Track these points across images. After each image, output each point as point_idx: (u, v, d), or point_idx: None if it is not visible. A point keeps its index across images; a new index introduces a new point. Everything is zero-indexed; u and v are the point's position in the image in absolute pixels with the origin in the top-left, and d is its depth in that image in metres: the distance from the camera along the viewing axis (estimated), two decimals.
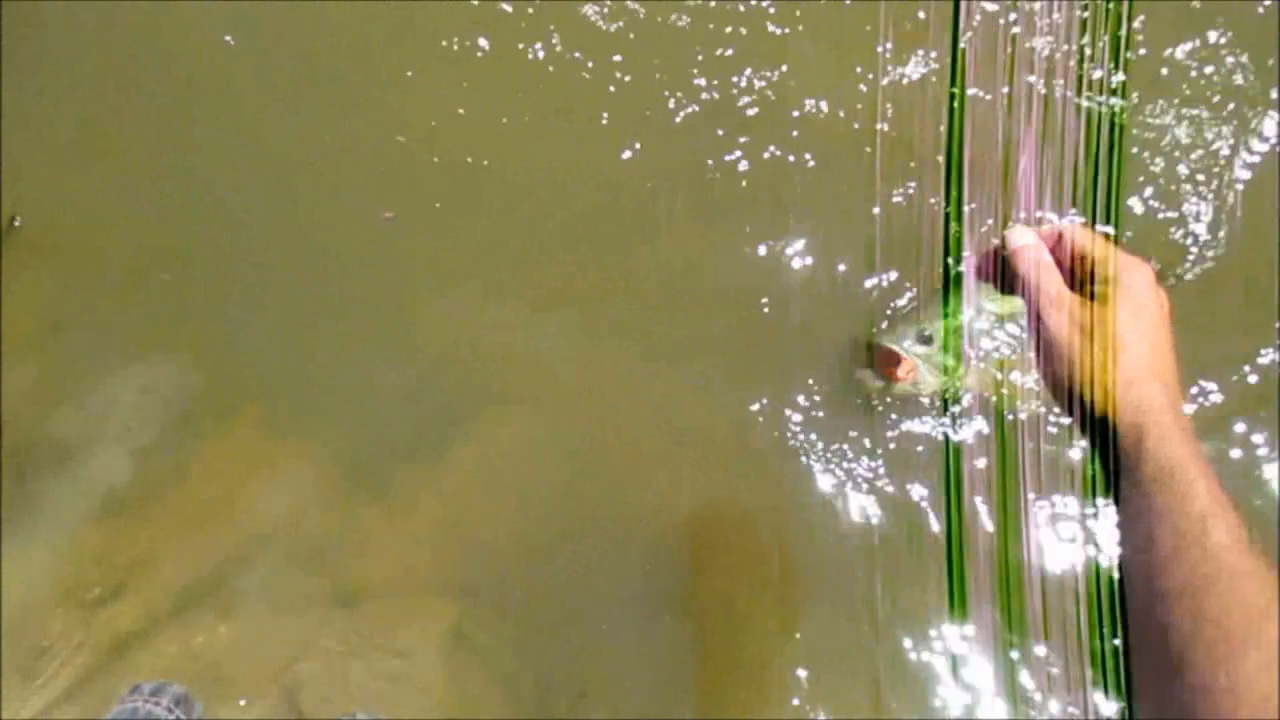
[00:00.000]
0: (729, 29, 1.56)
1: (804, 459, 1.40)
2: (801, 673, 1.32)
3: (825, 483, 1.38)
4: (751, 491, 1.43)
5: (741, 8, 1.57)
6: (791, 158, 1.51)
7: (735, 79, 1.54)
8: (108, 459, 1.49)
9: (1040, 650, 1.27)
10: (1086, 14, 1.29)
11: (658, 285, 1.51)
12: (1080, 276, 0.81)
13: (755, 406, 1.43)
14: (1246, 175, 1.46)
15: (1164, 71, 1.50)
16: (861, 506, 1.37)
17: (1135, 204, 1.46)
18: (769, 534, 1.40)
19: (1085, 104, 1.32)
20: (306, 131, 1.60)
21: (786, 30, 1.56)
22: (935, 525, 1.35)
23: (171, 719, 0.91)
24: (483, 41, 1.59)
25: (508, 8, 1.59)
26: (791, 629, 1.36)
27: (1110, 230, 0.89)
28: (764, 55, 1.55)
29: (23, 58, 1.65)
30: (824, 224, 1.49)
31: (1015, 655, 1.26)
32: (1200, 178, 1.46)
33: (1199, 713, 0.59)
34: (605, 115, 1.55)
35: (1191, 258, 1.46)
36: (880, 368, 1.39)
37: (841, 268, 1.46)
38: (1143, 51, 1.50)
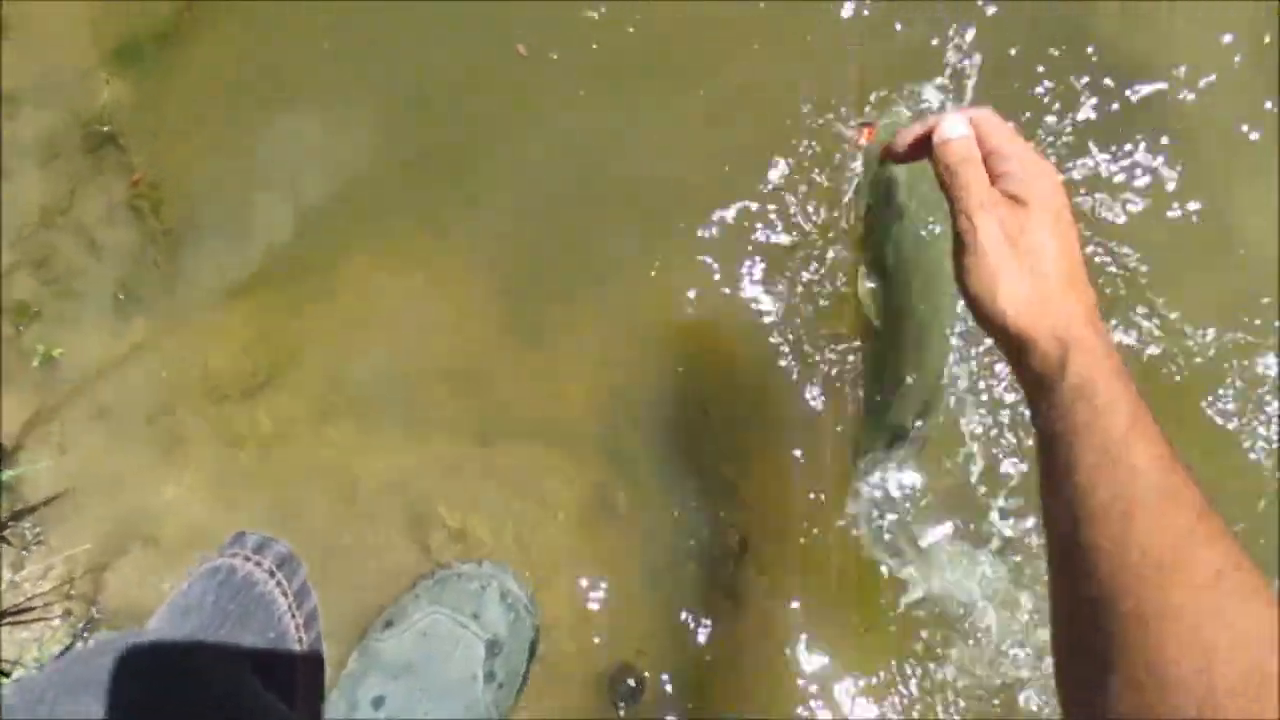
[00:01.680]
0: None
1: None
2: None
3: None
4: None
5: None
6: None
7: None
8: (267, 237, 1.41)
9: None
10: None
11: None
12: (990, 175, 0.76)
13: None
14: None
15: None
16: None
17: None
18: None
19: None
20: None
21: None
22: None
23: (272, 583, 0.82)
24: None
25: None
26: None
27: None
28: None
29: None
30: None
31: None
32: None
33: (1130, 640, 0.56)
34: None
35: None
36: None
37: None
38: None
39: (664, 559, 1.30)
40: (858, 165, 1.25)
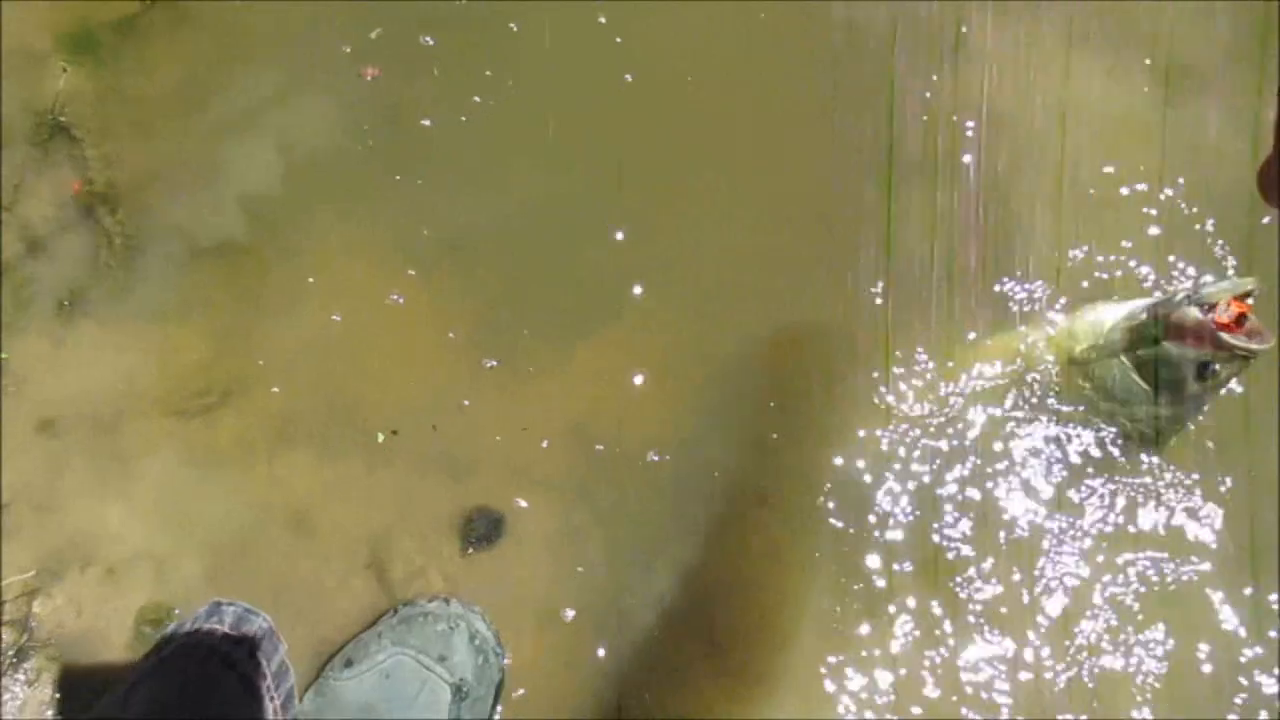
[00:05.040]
0: None
1: None
2: None
3: None
4: None
5: None
6: None
7: None
8: (228, 243, 1.35)
9: None
10: None
11: None
12: None
13: None
14: None
15: None
16: None
17: None
18: None
19: None
20: None
21: None
22: None
23: (251, 666, 0.78)
24: None
25: None
26: None
27: None
28: None
29: None
30: None
31: None
32: None
33: None
34: None
35: None
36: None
37: None
38: None
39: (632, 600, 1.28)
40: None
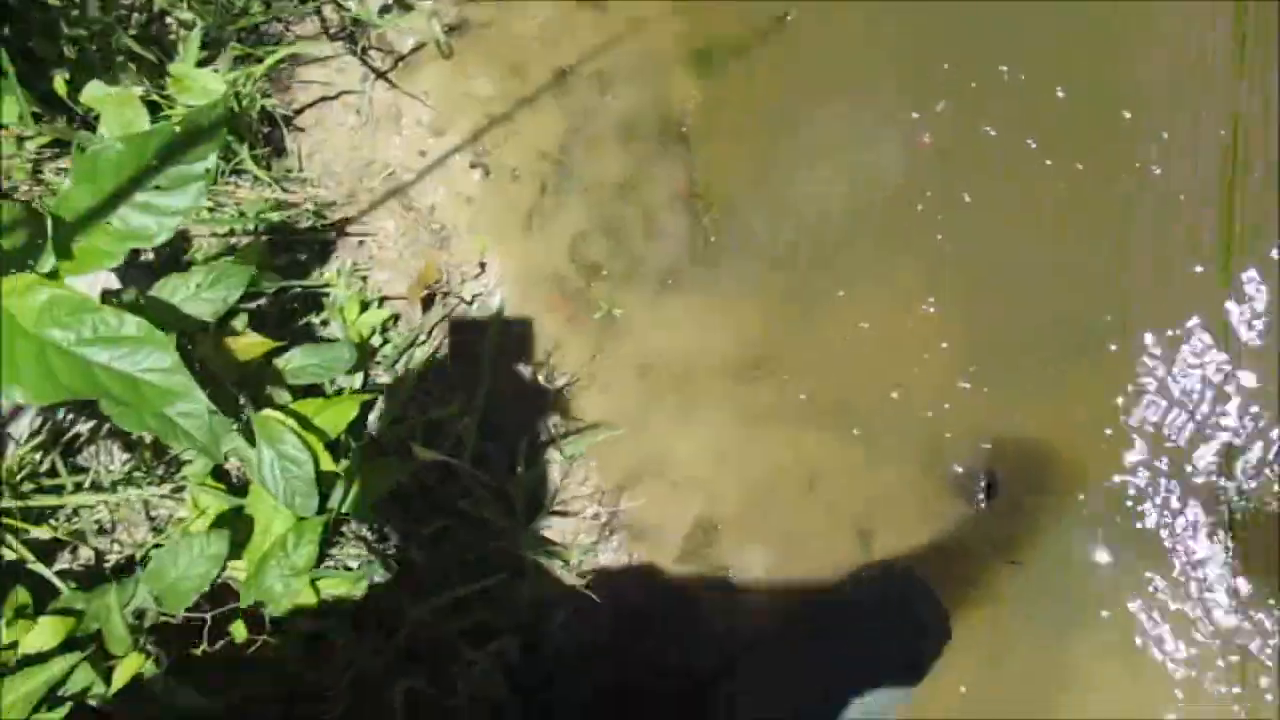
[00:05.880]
0: None
1: None
2: None
3: None
4: None
5: None
6: None
7: None
8: (784, 257, 1.75)
9: None
10: None
11: None
12: None
13: None
14: None
15: None
16: None
17: None
18: None
19: None
20: None
21: None
22: None
23: None
24: None
25: None
26: None
27: None
28: None
29: None
30: None
31: None
32: None
33: None
34: None
35: None
36: None
37: None
38: None
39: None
40: None
